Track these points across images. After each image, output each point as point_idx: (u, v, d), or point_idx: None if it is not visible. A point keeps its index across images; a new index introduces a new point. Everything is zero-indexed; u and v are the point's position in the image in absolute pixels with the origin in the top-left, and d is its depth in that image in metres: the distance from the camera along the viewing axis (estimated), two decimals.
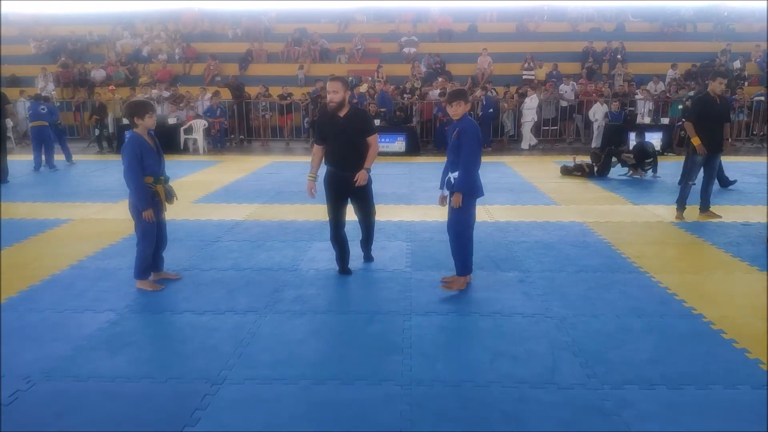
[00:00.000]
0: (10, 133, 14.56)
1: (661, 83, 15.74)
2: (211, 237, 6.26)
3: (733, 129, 13.82)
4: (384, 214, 6.36)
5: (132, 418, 2.96)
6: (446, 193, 4.61)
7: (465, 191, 4.38)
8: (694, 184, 7.06)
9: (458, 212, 4.45)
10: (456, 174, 4.41)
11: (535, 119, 14.01)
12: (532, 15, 22.04)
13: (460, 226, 4.52)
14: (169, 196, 4.77)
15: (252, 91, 15.57)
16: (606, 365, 3.44)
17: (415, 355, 3.58)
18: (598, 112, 13.74)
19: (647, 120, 13.59)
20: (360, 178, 4.71)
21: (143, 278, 4.72)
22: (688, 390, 3.18)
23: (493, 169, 10.26)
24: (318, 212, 6.96)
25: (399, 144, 13.06)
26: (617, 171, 10.18)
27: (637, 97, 14.69)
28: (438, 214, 7.13)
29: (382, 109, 13.79)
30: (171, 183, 4.84)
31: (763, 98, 14.23)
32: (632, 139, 12.70)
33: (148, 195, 4.51)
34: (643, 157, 9.71)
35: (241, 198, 8.32)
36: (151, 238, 4.62)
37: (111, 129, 14.22)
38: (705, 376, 3.32)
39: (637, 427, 2.85)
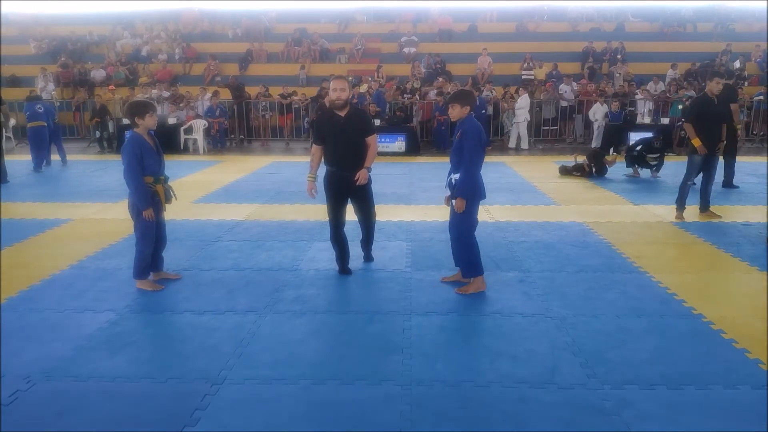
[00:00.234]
0: (10, 133, 14.58)
1: (661, 83, 15.74)
2: (211, 237, 6.26)
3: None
4: (384, 214, 6.36)
5: (132, 418, 2.96)
6: (449, 193, 4.61)
7: (465, 195, 4.37)
8: (694, 184, 7.07)
9: (459, 215, 4.45)
10: (457, 176, 4.40)
11: (528, 119, 13.98)
12: (532, 15, 22.03)
13: (462, 228, 4.52)
14: (168, 196, 4.77)
15: (252, 91, 15.57)
16: (606, 365, 3.44)
17: (415, 355, 3.58)
18: (598, 112, 13.73)
19: (647, 120, 13.59)
20: (361, 176, 4.72)
21: (143, 278, 4.72)
22: (688, 390, 3.18)
23: (493, 169, 10.25)
24: (318, 212, 6.96)
25: (399, 144, 13.06)
26: (617, 171, 10.18)
27: (637, 97, 14.69)
28: (438, 214, 7.13)
29: (377, 109, 13.79)
30: (171, 183, 4.84)
31: (762, 98, 14.23)
32: (632, 139, 12.74)
33: (148, 194, 4.51)
34: (650, 152, 9.74)
35: (241, 198, 8.32)
36: (150, 237, 4.62)
37: (111, 129, 14.20)
38: (705, 376, 3.32)
39: (637, 427, 2.85)
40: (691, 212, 7.02)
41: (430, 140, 14.31)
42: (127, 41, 20.69)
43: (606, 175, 9.97)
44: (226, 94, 15.58)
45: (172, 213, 5.93)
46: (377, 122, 13.17)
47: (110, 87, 16.28)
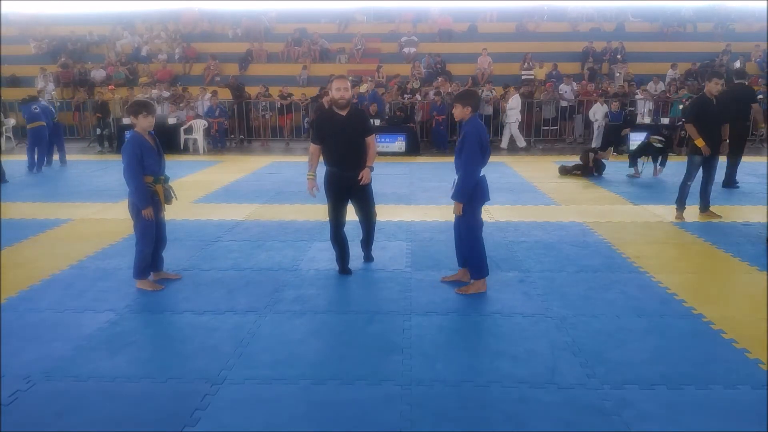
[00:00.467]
0: (10, 134, 14.59)
1: (661, 83, 15.74)
2: (211, 237, 6.26)
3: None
4: (384, 214, 6.36)
5: (132, 418, 2.96)
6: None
7: (462, 199, 4.37)
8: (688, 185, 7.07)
9: (461, 217, 4.45)
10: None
11: (519, 119, 13.95)
12: (532, 15, 22.02)
13: (465, 230, 4.52)
14: (169, 196, 4.78)
15: (252, 91, 15.57)
16: (606, 365, 3.44)
17: (415, 355, 3.58)
18: (598, 112, 13.73)
19: (647, 120, 13.59)
20: (365, 176, 4.75)
21: (142, 278, 4.72)
22: (688, 390, 3.18)
23: (493, 169, 10.21)
24: (318, 212, 6.96)
25: (399, 144, 13.06)
26: (617, 171, 10.18)
27: (637, 97, 14.69)
28: (438, 214, 7.14)
29: (377, 109, 13.78)
30: (171, 183, 4.84)
31: (762, 97, 14.21)
32: (632, 139, 12.74)
33: (148, 194, 4.51)
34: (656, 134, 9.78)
35: (241, 198, 8.32)
36: (150, 237, 4.62)
37: (111, 129, 14.20)
38: (705, 376, 3.32)
39: (637, 427, 2.85)
40: (691, 212, 7.02)
41: (430, 140, 14.31)
42: (127, 41, 20.68)
43: (605, 175, 9.96)
44: (226, 94, 15.58)
45: (172, 213, 5.93)
46: (377, 122, 13.19)
47: (110, 87, 16.28)
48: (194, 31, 21.66)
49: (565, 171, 10.17)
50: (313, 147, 4.92)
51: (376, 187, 5.22)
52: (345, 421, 2.92)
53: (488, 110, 14.25)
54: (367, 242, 5.29)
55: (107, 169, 11.01)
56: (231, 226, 6.70)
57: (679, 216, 6.92)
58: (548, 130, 14.88)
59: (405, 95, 14.90)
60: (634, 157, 10.04)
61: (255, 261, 5.44)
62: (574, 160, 10.46)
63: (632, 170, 10.05)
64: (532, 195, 8.45)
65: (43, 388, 3.24)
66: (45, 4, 28.58)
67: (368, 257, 5.36)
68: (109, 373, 3.38)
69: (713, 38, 19.42)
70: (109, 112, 14.24)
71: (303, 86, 17.08)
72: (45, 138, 11.08)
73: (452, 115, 4.67)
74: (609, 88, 15.11)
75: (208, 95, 14.67)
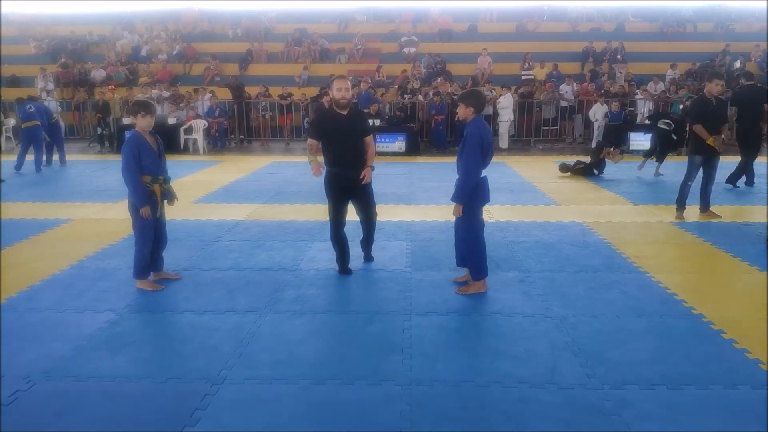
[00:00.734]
0: (10, 134, 14.58)
1: (661, 83, 15.73)
2: (211, 237, 6.26)
3: (733, 129, 13.79)
4: (384, 214, 6.36)
5: (132, 418, 2.96)
6: None
7: (461, 201, 4.37)
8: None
9: (462, 219, 4.45)
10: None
11: (511, 118, 13.93)
12: (532, 15, 22.02)
13: (465, 231, 4.52)
14: (170, 197, 4.78)
15: (252, 91, 15.57)
16: (606, 365, 3.44)
17: (415, 355, 3.58)
18: (598, 112, 13.74)
19: (647, 120, 13.59)
20: (367, 175, 4.78)
21: (142, 277, 4.72)
22: (688, 390, 3.18)
23: (493, 169, 10.15)
24: (318, 212, 6.96)
25: (399, 144, 13.06)
26: (618, 171, 10.17)
27: (637, 97, 14.69)
28: (438, 214, 7.14)
29: (377, 110, 13.78)
30: (171, 183, 4.84)
31: None
32: (632, 139, 12.74)
33: (145, 193, 4.52)
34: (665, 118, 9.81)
35: (241, 198, 8.32)
36: (149, 236, 4.63)
37: (111, 129, 14.20)
38: (705, 376, 3.32)
39: (637, 427, 2.85)
40: (691, 212, 7.02)
41: (430, 140, 14.31)
42: (127, 41, 20.68)
43: (605, 175, 9.95)
44: (226, 94, 15.57)
45: (172, 213, 5.93)
46: (377, 122, 13.19)
47: (110, 87, 16.28)
48: (194, 31, 21.66)
49: (566, 169, 10.16)
50: (311, 141, 4.91)
51: (376, 187, 5.22)
52: (345, 421, 2.92)
53: (488, 110, 14.24)
54: (367, 242, 5.29)
55: (107, 169, 11.01)
56: (231, 226, 6.70)
57: (679, 216, 6.92)
58: (548, 130, 14.88)
59: (405, 95, 14.89)
60: (648, 154, 10.05)
61: (255, 261, 5.44)
62: (577, 160, 10.43)
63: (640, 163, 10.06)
64: (532, 195, 8.44)
65: (43, 388, 3.24)
66: (45, 4, 28.62)
67: (368, 257, 5.36)
68: (109, 373, 3.38)
69: (713, 38, 19.41)
70: (110, 112, 14.23)
71: (303, 86, 17.07)
72: (40, 137, 10.97)
73: (451, 115, 4.66)
74: (612, 88, 15.10)
75: (208, 95, 14.68)
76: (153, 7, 23.88)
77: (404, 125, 13.53)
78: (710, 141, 6.57)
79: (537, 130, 14.79)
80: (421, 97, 14.75)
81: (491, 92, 14.62)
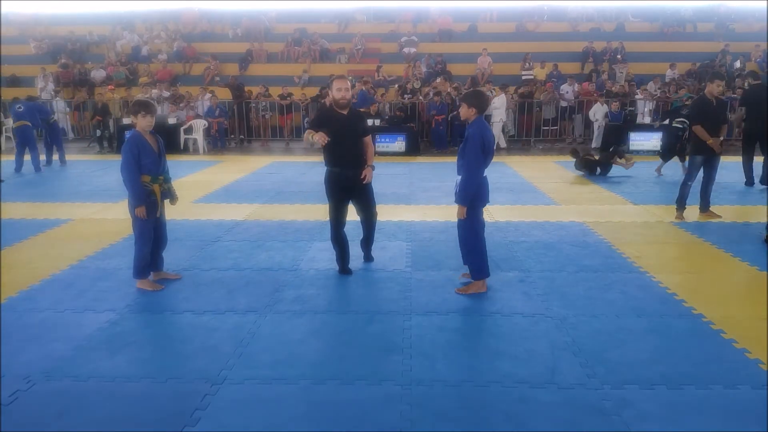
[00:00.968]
0: (10, 133, 14.56)
1: (661, 83, 15.74)
2: (211, 237, 6.26)
3: (732, 129, 13.80)
4: (384, 214, 6.36)
5: (132, 418, 2.96)
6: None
7: (464, 202, 4.37)
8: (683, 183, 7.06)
9: (463, 219, 4.46)
10: (460, 178, 4.41)
11: (504, 119, 13.91)
12: (532, 15, 22.01)
13: (466, 232, 4.53)
14: (171, 197, 4.78)
15: (252, 91, 15.56)
16: (606, 365, 3.44)
17: (415, 355, 3.58)
18: (598, 112, 13.73)
19: (647, 120, 13.60)
20: (368, 175, 4.80)
21: (142, 277, 4.72)
22: (688, 390, 3.18)
23: (493, 169, 10.16)
24: (318, 212, 6.96)
25: (399, 144, 13.06)
26: (618, 171, 10.17)
27: (637, 97, 14.69)
28: (438, 214, 7.14)
29: (362, 109, 13.76)
30: (172, 183, 4.84)
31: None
32: (632, 139, 12.74)
33: (143, 193, 4.52)
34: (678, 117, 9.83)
35: (241, 198, 8.32)
36: (148, 236, 4.63)
37: (111, 129, 14.19)
38: (705, 376, 3.32)
39: (637, 427, 2.85)
40: (691, 212, 7.02)
41: (430, 140, 14.30)
42: (127, 41, 20.68)
43: (608, 175, 9.95)
44: (226, 94, 15.57)
45: (172, 213, 5.93)
46: (377, 122, 13.19)
47: (110, 87, 16.27)
48: (194, 31, 21.65)
49: (576, 154, 10.25)
50: (309, 129, 4.77)
51: (376, 187, 5.22)
52: (345, 421, 2.92)
53: (488, 110, 14.24)
54: (367, 242, 5.29)
55: (107, 169, 11.01)
56: (231, 226, 6.70)
57: (679, 216, 6.92)
58: (548, 130, 14.88)
59: (405, 95, 14.89)
60: (665, 156, 10.01)
61: (255, 261, 5.44)
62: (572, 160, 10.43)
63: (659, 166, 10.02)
64: (532, 195, 8.44)
65: (43, 388, 3.24)
66: (45, 4, 28.50)
67: (368, 257, 5.36)
68: (109, 373, 3.38)
69: (713, 38, 19.40)
70: (109, 114, 14.21)
71: (302, 86, 17.07)
72: (31, 137, 10.93)
73: (450, 115, 4.67)
74: (614, 88, 15.10)
75: (208, 95, 14.67)
76: (153, 7, 23.88)
77: (404, 125, 13.53)
78: (710, 142, 6.57)
79: (537, 130, 14.79)
80: (421, 97, 14.75)
81: (492, 92, 14.61)
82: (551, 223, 6.75)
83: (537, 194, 8.50)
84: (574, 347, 3.67)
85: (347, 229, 5.04)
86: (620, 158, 10.01)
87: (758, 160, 8.95)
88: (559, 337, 3.82)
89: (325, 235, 5.43)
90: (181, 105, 14.76)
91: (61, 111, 15.76)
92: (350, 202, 4.97)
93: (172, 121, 13.69)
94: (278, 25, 21.67)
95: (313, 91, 15.56)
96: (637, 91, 14.94)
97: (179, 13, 23.05)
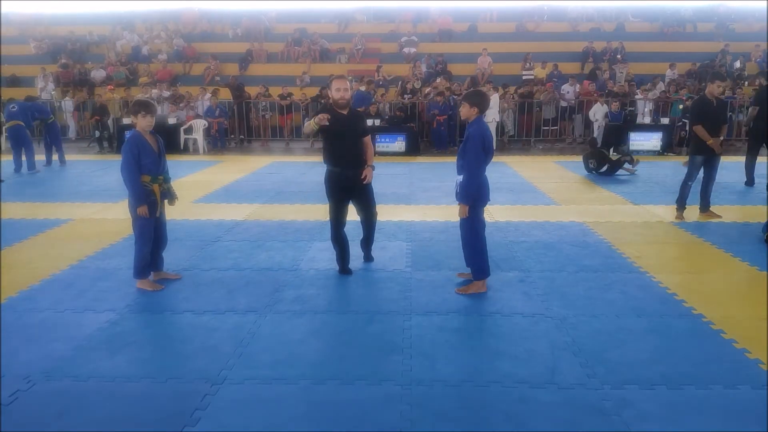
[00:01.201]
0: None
1: (661, 83, 15.74)
2: (211, 237, 6.26)
3: (733, 129, 13.80)
4: (384, 214, 6.36)
5: (132, 418, 2.96)
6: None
7: (467, 201, 4.38)
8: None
9: (464, 218, 4.46)
10: (461, 179, 4.41)
11: (497, 119, 13.88)
12: (532, 15, 22.02)
13: (467, 231, 4.53)
14: (170, 196, 4.79)
15: (252, 91, 15.57)
16: (606, 365, 3.44)
17: (415, 355, 3.58)
18: (598, 112, 13.73)
19: (647, 120, 13.60)
20: (368, 175, 4.81)
21: (142, 277, 4.72)
22: (688, 390, 3.18)
23: (493, 169, 10.15)
24: (318, 212, 6.96)
25: (399, 144, 13.06)
26: (619, 171, 10.17)
27: (637, 97, 14.69)
28: (438, 214, 7.14)
29: (360, 109, 13.75)
30: (171, 183, 4.84)
31: None
32: (632, 139, 12.74)
33: (143, 192, 4.52)
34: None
35: (241, 198, 8.32)
36: (148, 236, 4.63)
37: (111, 129, 14.20)
38: (705, 376, 3.32)
39: (637, 427, 2.85)
40: (691, 212, 7.02)
41: (430, 140, 14.30)
42: (127, 41, 20.67)
43: (606, 174, 9.94)
44: (226, 94, 15.57)
45: (172, 213, 5.93)
46: (377, 122, 13.18)
47: (110, 87, 16.27)
48: (194, 31, 21.65)
49: (594, 144, 10.33)
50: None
51: (376, 187, 5.22)
52: (345, 421, 2.92)
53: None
54: (367, 242, 5.29)
55: (107, 169, 11.01)
56: (231, 226, 6.70)
57: (679, 216, 6.92)
58: (548, 130, 14.88)
59: (405, 95, 14.89)
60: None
61: (255, 261, 5.44)
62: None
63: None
64: (532, 195, 8.44)
65: (43, 388, 3.24)
66: (45, 4, 28.56)
67: (368, 257, 5.36)
68: (109, 373, 3.38)
69: (713, 38, 19.41)
70: (108, 114, 14.21)
71: (303, 86, 17.07)
72: (24, 137, 10.85)
73: (453, 116, 4.67)
74: (616, 89, 15.10)
75: (208, 95, 14.67)
76: (153, 7, 23.90)
77: (404, 125, 13.52)
78: (710, 142, 6.57)
79: (537, 130, 14.79)
80: (421, 98, 14.74)
81: (492, 92, 14.61)
82: (551, 223, 6.75)
83: (537, 194, 8.50)
84: (574, 347, 3.67)
85: (347, 229, 5.04)
86: (631, 165, 9.99)
87: (761, 160, 8.96)
88: (559, 337, 3.82)
89: (325, 235, 5.43)
90: (181, 105, 14.76)
91: (69, 111, 15.79)
92: (350, 202, 4.98)
93: (172, 121, 13.69)
94: (278, 25, 21.67)
95: (313, 91, 15.57)
96: (637, 91, 14.94)
97: (179, 13, 23.06)
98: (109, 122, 14.11)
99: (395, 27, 21.36)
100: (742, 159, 9.16)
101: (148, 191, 4.57)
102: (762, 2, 20.19)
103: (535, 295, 4.57)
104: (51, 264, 5.33)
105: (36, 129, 12.41)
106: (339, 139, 4.73)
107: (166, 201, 4.79)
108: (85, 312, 4.26)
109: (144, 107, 4.57)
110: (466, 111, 4.42)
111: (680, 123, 13.08)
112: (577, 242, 5.99)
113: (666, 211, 7.25)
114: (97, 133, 13.95)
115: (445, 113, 13.43)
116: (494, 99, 13.63)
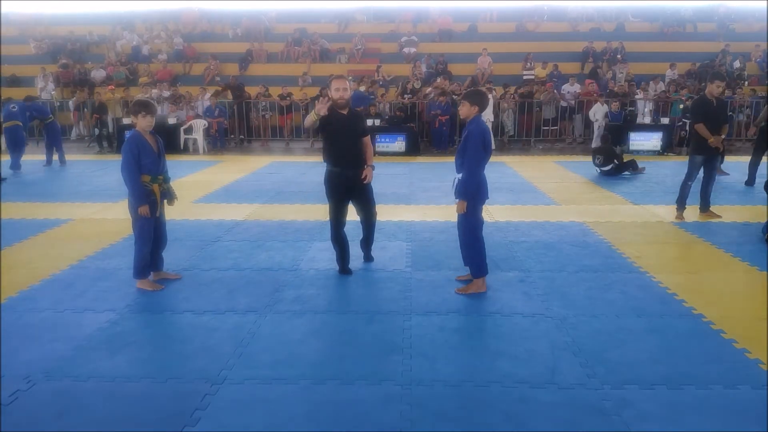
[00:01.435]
0: None
1: (661, 83, 15.74)
2: (211, 237, 6.26)
3: (733, 129, 13.80)
4: (384, 214, 6.36)
5: (132, 418, 2.96)
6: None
7: (466, 198, 4.39)
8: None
9: (463, 216, 4.46)
10: (460, 176, 4.41)
11: (491, 119, 13.87)
12: (532, 15, 22.01)
13: (466, 229, 4.53)
14: (170, 196, 4.79)
15: (252, 91, 15.56)
16: (606, 365, 3.44)
17: (415, 355, 3.58)
18: (598, 112, 13.73)
19: (647, 120, 13.60)
20: (369, 175, 4.81)
21: (142, 277, 4.72)
22: (688, 390, 3.18)
23: (493, 169, 10.17)
24: (318, 212, 6.96)
25: (399, 144, 13.06)
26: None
27: (637, 97, 14.69)
28: (438, 214, 7.14)
29: (358, 108, 13.74)
30: (171, 183, 4.84)
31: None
32: (632, 139, 12.75)
33: (143, 192, 4.53)
34: None
35: (241, 198, 8.32)
36: (148, 236, 4.63)
37: (111, 128, 14.21)
38: (705, 376, 3.32)
39: (637, 427, 2.85)
40: (691, 212, 7.02)
41: (430, 140, 14.30)
42: (127, 41, 20.67)
43: (605, 174, 9.95)
44: (226, 94, 15.57)
45: (172, 213, 5.93)
46: (377, 122, 13.18)
47: (110, 87, 16.27)
48: (194, 31, 21.65)
49: (606, 139, 10.34)
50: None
51: (376, 187, 5.22)
52: (345, 421, 2.92)
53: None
54: (367, 242, 5.29)
55: (107, 169, 11.00)
56: (231, 226, 6.70)
57: (679, 216, 6.92)
58: (548, 130, 14.87)
59: (405, 95, 14.88)
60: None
61: (255, 261, 5.44)
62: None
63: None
64: (532, 195, 8.44)
65: (43, 388, 3.24)
66: (45, 4, 28.54)
67: (368, 257, 5.36)
68: (109, 373, 3.38)
69: (713, 38, 19.41)
70: (107, 113, 14.21)
71: (303, 86, 17.07)
72: (20, 138, 10.88)
73: (454, 116, 4.67)
74: (617, 89, 15.09)
75: (208, 95, 14.67)
76: (153, 7, 23.88)
77: (404, 125, 13.52)
78: (711, 140, 6.57)
79: (537, 130, 14.78)
80: (421, 98, 14.74)
81: (492, 92, 14.61)
82: (551, 223, 6.75)
83: (537, 194, 8.50)
84: (574, 347, 3.67)
85: (347, 229, 5.04)
86: (635, 170, 9.98)
87: (764, 160, 8.96)
88: (559, 337, 3.82)
89: (325, 235, 5.43)
90: (181, 105, 14.76)
91: (71, 112, 15.80)
92: (350, 202, 4.98)
93: (172, 121, 13.69)
94: (278, 25, 21.67)
95: (313, 91, 15.56)
96: (637, 91, 14.94)
97: (179, 13, 23.05)
98: (109, 121, 14.11)
99: (395, 27, 21.36)
100: (743, 159, 9.16)
101: (148, 191, 4.58)
102: (762, 2, 20.21)
103: (535, 295, 4.57)
104: (51, 264, 5.34)
105: (36, 129, 12.39)
106: (339, 139, 4.73)
107: (165, 201, 4.79)
108: (85, 312, 4.26)
109: (144, 107, 4.57)
110: (466, 110, 4.43)
111: (680, 123, 13.08)
112: (577, 242, 5.99)
113: (666, 211, 7.25)
114: (97, 131, 13.95)
115: (447, 113, 13.42)
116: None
